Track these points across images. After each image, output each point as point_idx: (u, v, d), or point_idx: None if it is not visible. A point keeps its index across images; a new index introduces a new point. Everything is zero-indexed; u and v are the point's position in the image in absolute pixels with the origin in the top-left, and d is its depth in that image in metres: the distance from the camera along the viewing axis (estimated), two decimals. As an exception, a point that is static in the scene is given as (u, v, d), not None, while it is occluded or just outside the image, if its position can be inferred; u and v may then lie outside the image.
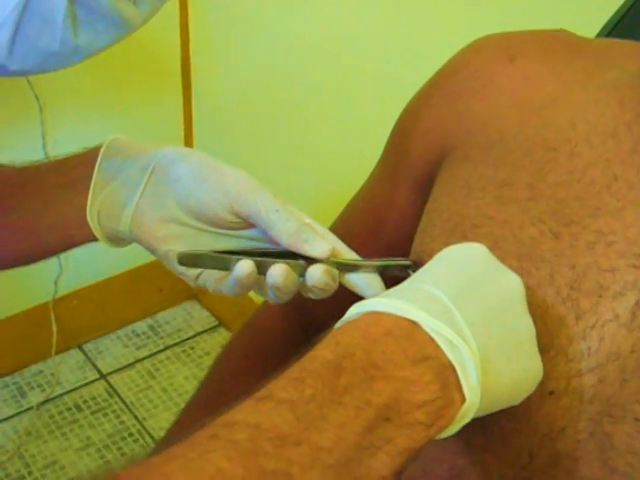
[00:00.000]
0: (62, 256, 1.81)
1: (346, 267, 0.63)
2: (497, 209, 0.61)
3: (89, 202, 0.66)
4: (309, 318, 0.79)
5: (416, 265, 0.63)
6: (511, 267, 0.58)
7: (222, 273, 0.64)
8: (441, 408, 0.46)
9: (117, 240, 0.68)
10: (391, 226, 0.74)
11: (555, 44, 0.68)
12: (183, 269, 0.64)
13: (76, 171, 0.68)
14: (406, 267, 0.64)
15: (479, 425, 0.58)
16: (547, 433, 0.56)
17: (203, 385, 0.81)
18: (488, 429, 0.58)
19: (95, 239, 0.67)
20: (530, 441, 0.56)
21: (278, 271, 0.59)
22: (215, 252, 0.63)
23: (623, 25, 0.86)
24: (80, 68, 0.64)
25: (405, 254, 0.68)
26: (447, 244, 0.62)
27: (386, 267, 0.63)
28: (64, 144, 1.72)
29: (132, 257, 2.00)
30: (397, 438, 0.45)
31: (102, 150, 0.67)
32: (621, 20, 0.86)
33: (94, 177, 0.66)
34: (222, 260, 0.62)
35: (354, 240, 0.77)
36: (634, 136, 0.59)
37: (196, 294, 2.15)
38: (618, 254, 0.56)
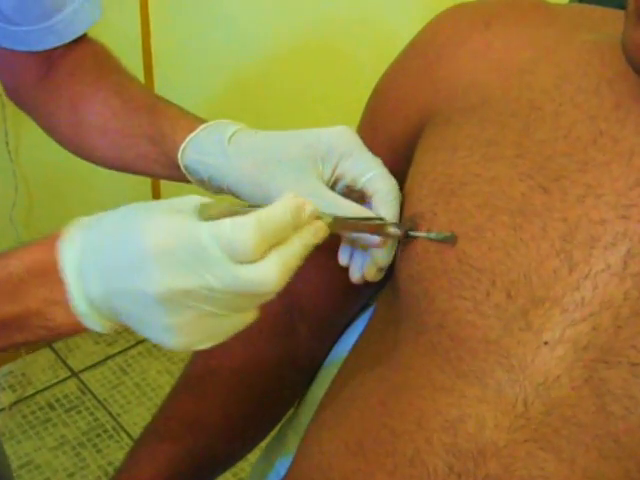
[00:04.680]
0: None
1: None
2: (485, 167, 0.62)
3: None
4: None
5: (410, 229, 0.64)
6: (503, 222, 0.60)
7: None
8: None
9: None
10: None
11: (529, 10, 0.69)
12: None
13: None
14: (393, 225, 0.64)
15: (474, 377, 0.59)
16: (542, 382, 0.57)
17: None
18: (483, 381, 0.59)
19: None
20: (525, 391, 0.58)
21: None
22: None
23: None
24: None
25: None
26: (435, 204, 0.63)
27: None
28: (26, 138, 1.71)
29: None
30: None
31: None
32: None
33: None
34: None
35: None
36: (616, 93, 0.60)
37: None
38: (608, 206, 0.58)
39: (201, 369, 0.78)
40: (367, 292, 0.81)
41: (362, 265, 0.67)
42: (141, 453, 0.73)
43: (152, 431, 0.75)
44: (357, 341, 0.74)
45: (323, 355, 0.83)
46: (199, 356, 0.79)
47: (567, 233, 0.58)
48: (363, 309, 0.83)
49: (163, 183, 2.01)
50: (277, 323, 0.79)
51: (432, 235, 0.62)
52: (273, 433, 0.87)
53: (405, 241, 0.64)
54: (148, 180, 1.99)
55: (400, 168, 0.70)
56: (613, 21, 0.66)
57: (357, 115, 0.78)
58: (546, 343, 0.57)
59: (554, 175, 0.59)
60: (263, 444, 0.89)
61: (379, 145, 0.73)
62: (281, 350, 0.79)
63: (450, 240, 0.61)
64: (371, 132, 0.75)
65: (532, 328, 0.58)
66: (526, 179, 0.60)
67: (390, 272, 0.68)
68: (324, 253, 0.77)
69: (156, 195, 2.04)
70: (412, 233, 0.63)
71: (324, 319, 0.81)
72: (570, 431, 0.56)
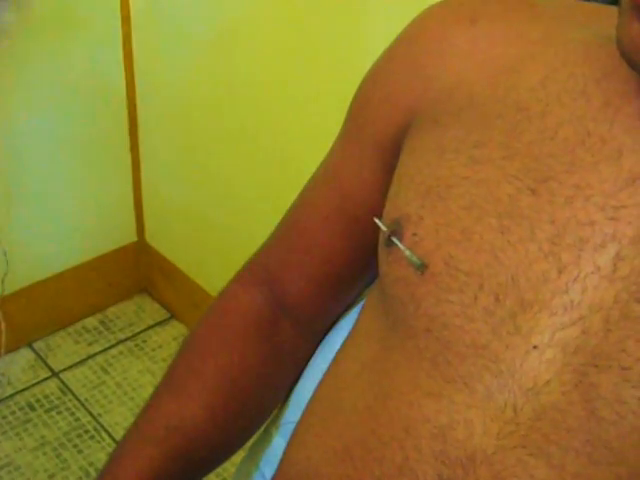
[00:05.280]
0: (8, 254, 1.78)
1: None
2: (472, 169, 0.61)
3: None
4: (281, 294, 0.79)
5: (393, 233, 0.63)
6: (491, 225, 0.59)
7: None
8: None
9: None
10: (356, 198, 0.74)
11: (515, 5, 0.68)
12: None
13: None
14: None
15: (462, 383, 0.59)
16: (531, 387, 0.56)
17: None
18: (471, 386, 0.58)
19: None
20: (514, 396, 0.57)
21: None
22: None
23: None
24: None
25: (372, 224, 0.68)
26: (422, 207, 0.62)
27: None
28: None
29: (79, 252, 1.98)
30: None
31: None
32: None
33: None
34: None
35: (318, 216, 0.77)
36: (604, 92, 0.60)
37: (146, 287, 2.13)
38: (596, 207, 0.57)
39: (184, 370, 0.77)
40: (352, 290, 0.80)
41: None
42: (124, 456, 0.73)
43: (135, 433, 0.74)
44: (343, 344, 0.74)
45: (308, 354, 0.82)
46: (181, 357, 0.79)
47: (555, 235, 0.57)
48: (348, 309, 0.82)
49: (147, 216, 2.01)
50: (261, 321, 0.78)
51: (407, 253, 0.61)
52: (257, 433, 0.86)
53: (389, 244, 0.63)
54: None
55: (386, 166, 0.70)
56: (601, 17, 0.65)
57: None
58: (535, 347, 0.57)
59: (542, 177, 0.59)
60: (247, 444, 0.88)
61: (364, 142, 0.73)
62: (265, 348, 0.78)
63: (419, 268, 0.61)
64: (356, 129, 0.74)
65: (521, 332, 0.57)
66: (513, 181, 0.59)
67: (376, 274, 0.67)
68: (307, 250, 0.77)
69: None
70: (393, 239, 0.62)
71: (308, 316, 0.80)
72: (560, 436, 0.56)
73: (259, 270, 0.80)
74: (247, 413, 0.78)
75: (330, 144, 0.78)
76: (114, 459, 0.73)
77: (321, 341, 0.82)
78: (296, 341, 0.80)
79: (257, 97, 1.61)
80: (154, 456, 0.71)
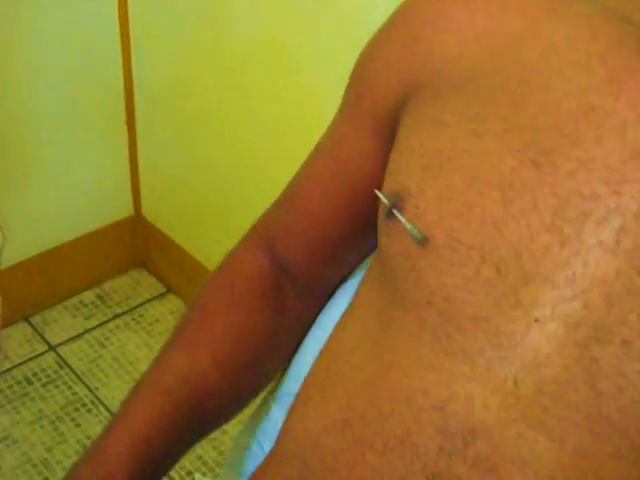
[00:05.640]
0: (4, 228, 1.77)
1: None
2: (473, 142, 0.61)
3: None
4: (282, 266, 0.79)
5: (394, 205, 0.63)
6: (493, 198, 0.59)
7: None
8: None
9: None
10: (355, 169, 0.74)
11: None
12: None
13: None
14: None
15: (463, 355, 0.58)
16: (532, 360, 0.56)
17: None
18: (472, 358, 0.58)
19: None
20: (515, 369, 0.57)
21: None
22: None
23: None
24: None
25: (369, 196, 0.68)
26: (423, 179, 0.62)
27: None
28: None
29: (76, 227, 1.98)
30: None
31: None
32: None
33: None
34: None
35: (318, 185, 0.77)
36: (608, 66, 0.59)
37: (143, 261, 2.13)
38: (599, 181, 0.56)
39: (192, 325, 0.78)
40: (349, 260, 0.81)
41: None
42: (134, 404, 0.73)
43: (145, 384, 0.75)
44: (342, 317, 0.74)
45: (309, 318, 0.83)
46: (190, 315, 0.80)
47: (558, 208, 0.57)
48: (345, 280, 0.83)
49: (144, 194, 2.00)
50: (265, 282, 0.79)
51: (409, 226, 0.61)
52: (255, 404, 0.86)
53: (390, 217, 0.63)
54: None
55: (384, 138, 0.69)
56: None
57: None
58: (536, 320, 0.56)
59: (544, 149, 0.58)
60: (245, 417, 0.88)
61: (363, 113, 0.73)
62: (271, 307, 0.79)
63: (420, 241, 0.60)
64: (355, 100, 0.74)
65: (522, 305, 0.57)
66: (516, 154, 0.59)
67: (375, 246, 0.67)
68: (305, 218, 0.77)
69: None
70: (395, 212, 0.62)
71: (306, 281, 0.81)
72: (560, 410, 0.56)
73: (262, 234, 0.81)
74: (255, 369, 0.79)
75: (328, 120, 0.78)
76: (124, 408, 0.73)
77: (321, 309, 0.83)
78: (297, 303, 0.81)
79: (255, 71, 1.60)
80: (164, 406, 0.72)
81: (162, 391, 0.73)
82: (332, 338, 0.73)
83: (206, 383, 0.74)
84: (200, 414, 0.75)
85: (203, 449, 1.70)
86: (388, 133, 0.69)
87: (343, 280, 0.83)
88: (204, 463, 1.69)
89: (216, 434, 1.55)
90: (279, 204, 0.81)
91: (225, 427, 0.79)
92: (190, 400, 0.73)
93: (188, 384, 0.73)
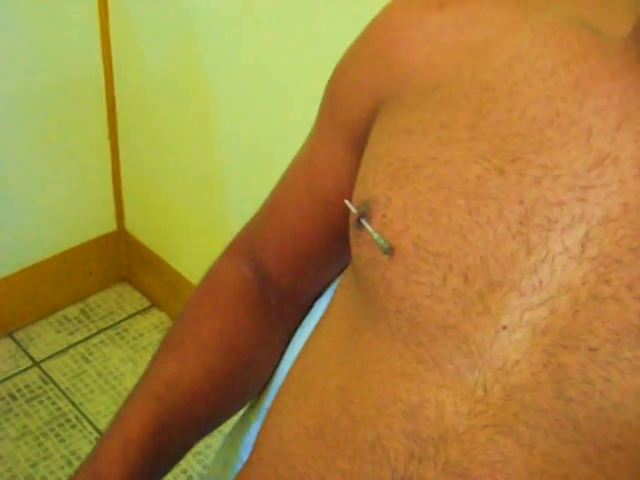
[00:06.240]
0: (-13, 243, 1.77)
1: None
2: (439, 150, 0.61)
3: None
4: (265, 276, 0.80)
5: (362, 215, 0.63)
6: (459, 206, 0.59)
7: None
8: None
9: None
10: (328, 183, 0.75)
11: None
12: None
13: None
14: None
15: (433, 363, 0.59)
16: (501, 367, 0.57)
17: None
18: (442, 366, 0.59)
19: None
20: (484, 376, 0.57)
21: None
22: None
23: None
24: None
25: (343, 208, 0.69)
26: (390, 188, 0.63)
27: None
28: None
29: (59, 242, 1.97)
30: None
31: None
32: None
33: None
34: None
35: (293, 199, 0.78)
36: (574, 74, 0.60)
37: (126, 276, 2.12)
38: (565, 188, 0.57)
39: (180, 333, 0.79)
40: (327, 271, 0.82)
41: None
42: (129, 407, 0.74)
43: (138, 390, 0.76)
44: (317, 324, 0.74)
45: (292, 327, 0.84)
46: (177, 323, 0.81)
47: (524, 215, 0.57)
48: (327, 288, 0.83)
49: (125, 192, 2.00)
50: (249, 290, 0.80)
51: (375, 236, 0.62)
52: (235, 419, 0.86)
53: (359, 226, 0.63)
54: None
55: (357, 151, 0.70)
56: None
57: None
58: (504, 327, 0.57)
59: (510, 157, 0.59)
60: (227, 430, 0.88)
61: (336, 128, 0.73)
62: (256, 314, 0.80)
63: (386, 251, 0.61)
64: (329, 115, 0.75)
65: (490, 312, 0.57)
66: (481, 161, 0.59)
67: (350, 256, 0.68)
68: (281, 230, 0.78)
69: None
70: (362, 221, 0.63)
71: (287, 292, 0.81)
72: (529, 416, 0.56)
73: (244, 244, 0.83)
74: (244, 375, 0.80)
75: (308, 131, 0.79)
76: (118, 414, 0.74)
77: (304, 318, 0.84)
78: (280, 312, 0.82)
79: (236, 84, 1.61)
80: (157, 411, 0.73)
81: (153, 396, 0.74)
82: (306, 345, 0.73)
83: (195, 389, 0.75)
84: (191, 420, 0.75)
85: (188, 463, 1.69)
86: (361, 147, 0.70)
87: (325, 289, 0.83)
88: (189, 478, 1.69)
89: (201, 448, 1.56)
90: (259, 215, 0.82)
91: (210, 441, 0.80)
92: (180, 406, 0.74)
93: (178, 390, 0.74)
